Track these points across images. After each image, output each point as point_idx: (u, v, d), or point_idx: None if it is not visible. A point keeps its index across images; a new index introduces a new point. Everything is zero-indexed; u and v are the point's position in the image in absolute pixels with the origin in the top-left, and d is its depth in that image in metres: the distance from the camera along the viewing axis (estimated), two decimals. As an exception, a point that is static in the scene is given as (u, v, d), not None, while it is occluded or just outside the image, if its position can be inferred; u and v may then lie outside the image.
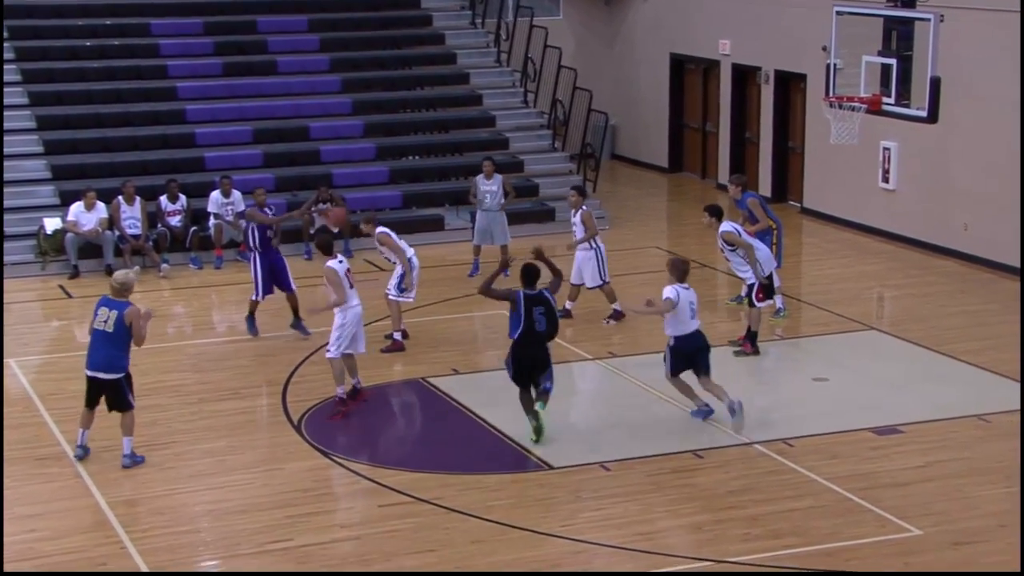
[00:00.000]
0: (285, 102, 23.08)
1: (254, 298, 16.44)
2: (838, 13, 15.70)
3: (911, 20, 14.74)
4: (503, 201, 19.00)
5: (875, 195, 21.08)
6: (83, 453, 12.61)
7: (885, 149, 20.72)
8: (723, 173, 24.98)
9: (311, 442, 13.16)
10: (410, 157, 23.13)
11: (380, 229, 15.92)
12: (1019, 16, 18.31)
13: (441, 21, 25.47)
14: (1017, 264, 18.67)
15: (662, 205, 25.00)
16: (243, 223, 19.88)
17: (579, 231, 16.82)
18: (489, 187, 18.99)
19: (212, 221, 20.01)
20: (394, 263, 16.17)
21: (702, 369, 13.24)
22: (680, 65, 26.19)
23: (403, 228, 21.08)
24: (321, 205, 20.61)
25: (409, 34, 25.21)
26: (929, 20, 14.28)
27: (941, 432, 13.14)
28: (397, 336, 15.86)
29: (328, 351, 13.91)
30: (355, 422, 13.83)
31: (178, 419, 13.83)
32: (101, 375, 12.29)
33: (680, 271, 13.30)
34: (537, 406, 12.88)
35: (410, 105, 24.02)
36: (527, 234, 21.30)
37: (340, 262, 13.98)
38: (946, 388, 14.43)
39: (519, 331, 12.77)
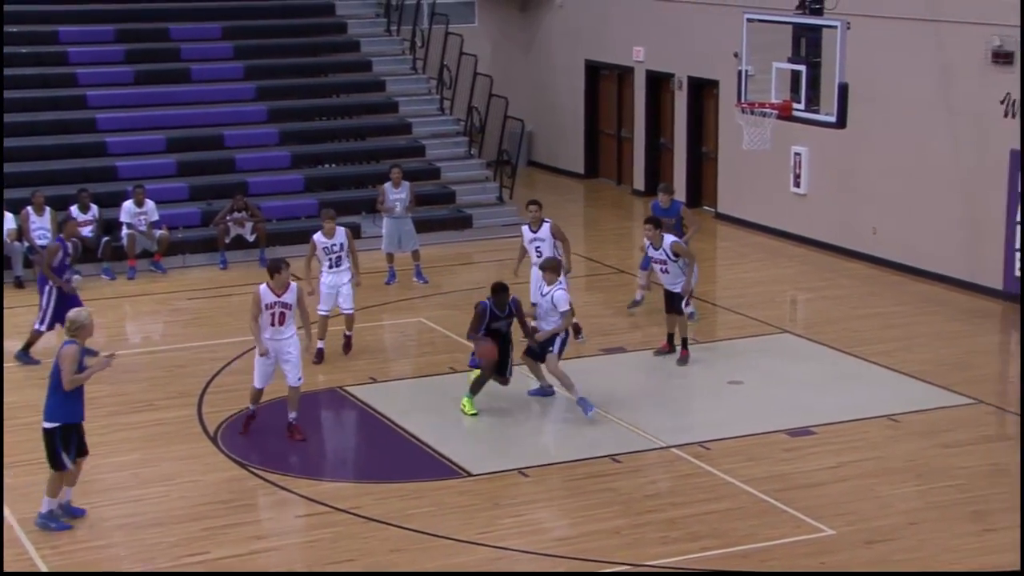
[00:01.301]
0: (199, 110, 22.86)
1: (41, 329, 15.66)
2: (749, 20, 15.87)
3: (819, 27, 14.94)
4: (408, 213, 18.98)
5: (787, 200, 21.33)
6: (59, 512, 11.41)
7: (796, 154, 20.98)
8: (638, 179, 25.14)
9: (227, 453, 13.03)
10: (326, 165, 23.01)
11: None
12: (928, 23, 18.65)
13: (356, 28, 25.37)
14: (926, 267, 18.99)
15: (579, 211, 25.08)
16: (155, 232, 19.70)
17: (547, 247, 15.79)
18: (398, 195, 18.95)
19: (125, 231, 19.75)
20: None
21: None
22: (595, 72, 26.32)
23: (319, 236, 21.05)
24: (236, 214, 20.45)
25: (324, 41, 25.08)
26: (836, 27, 14.48)
27: (853, 433, 13.33)
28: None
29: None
30: (273, 433, 13.71)
31: (91, 432, 13.45)
32: (43, 423, 11.22)
33: (556, 270, 14.11)
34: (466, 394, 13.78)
35: (326, 113, 23.90)
36: (443, 241, 21.34)
37: (267, 289, 13.20)
38: (858, 389, 14.63)
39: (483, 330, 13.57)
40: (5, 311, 17.29)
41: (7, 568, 10.65)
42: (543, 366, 14.08)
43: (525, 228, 16.05)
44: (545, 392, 14.26)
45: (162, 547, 11.05)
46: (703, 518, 11.51)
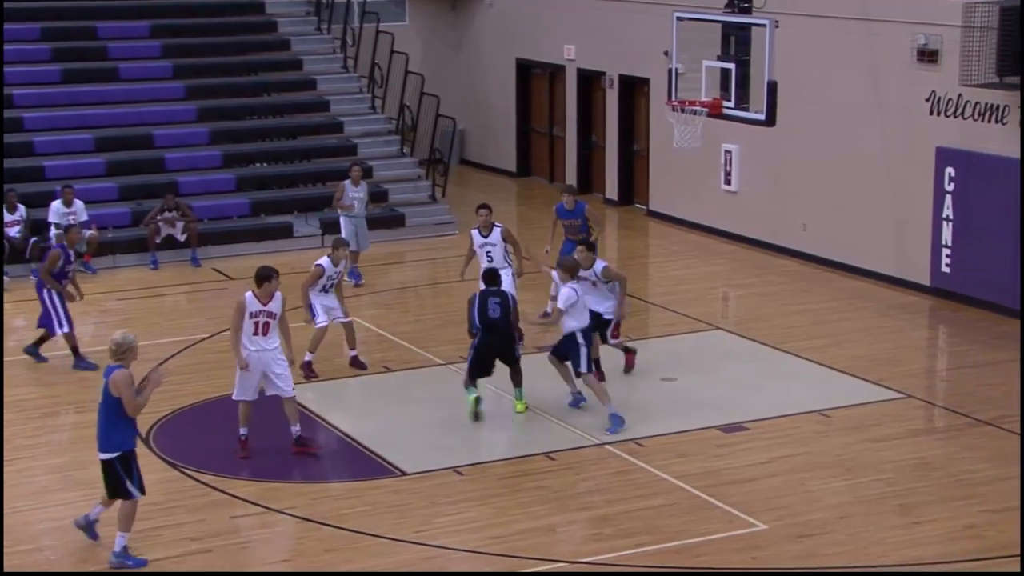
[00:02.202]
0: (127, 109, 22.64)
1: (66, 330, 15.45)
2: (678, 19, 15.99)
3: (748, 26, 15.09)
4: (364, 211, 18.86)
5: (718, 197, 21.52)
6: (83, 523, 11.09)
7: (727, 152, 21.17)
8: (571, 177, 25.23)
9: (160, 455, 12.93)
10: (257, 164, 22.88)
11: None
12: (856, 22, 18.90)
13: (286, 27, 25.24)
14: (855, 263, 19.24)
15: (511, 209, 25.10)
16: (85, 233, 19.48)
17: (498, 251, 15.78)
18: (357, 193, 18.86)
19: (53, 231, 19.51)
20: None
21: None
22: (526, 70, 26.38)
23: (251, 236, 21.00)
24: (167, 213, 20.29)
25: (254, 40, 24.92)
26: (765, 26, 14.63)
27: (784, 428, 13.48)
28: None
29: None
30: (205, 433, 13.63)
31: (20, 435, 13.46)
32: (99, 455, 10.73)
33: (573, 270, 13.74)
34: (514, 394, 13.77)
35: (256, 112, 23.75)
36: (376, 240, 21.26)
37: (252, 296, 12.76)
38: (789, 385, 14.80)
39: (476, 322, 13.50)
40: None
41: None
42: (576, 377, 13.76)
43: (475, 232, 15.88)
44: (578, 400, 13.97)
45: (94, 550, 10.94)
46: (637, 514, 11.60)
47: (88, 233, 19.66)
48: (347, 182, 19.03)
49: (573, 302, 13.44)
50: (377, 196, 22.20)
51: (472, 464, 12.60)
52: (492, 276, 14.00)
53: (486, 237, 15.82)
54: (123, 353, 10.58)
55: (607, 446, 13.04)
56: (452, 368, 15.29)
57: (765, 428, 13.48)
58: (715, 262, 20.30)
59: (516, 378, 13.86)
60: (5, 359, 15.55)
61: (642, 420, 13.87)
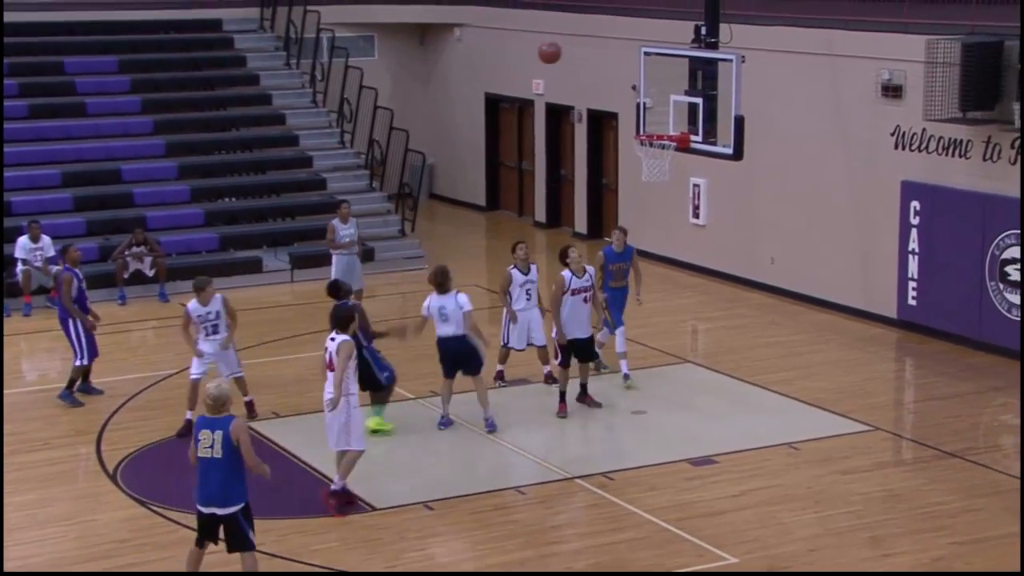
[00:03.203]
0: (95, 144, 22.59)
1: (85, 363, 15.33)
2: (646, 54, 16.09)
3: (715, 61, 15.20)
4: (356, 248, 18.49)
5: (686, 230, 21.61)
6: None
7: (695, 186, 21.28)
8: (540, 211, 25.30)
9: (127, 491, 12.84)
10: (226, 199, 22.84)
11: None
12: (822, 57, 19.07)
13: (255, 62, 25.26)
14: (823, 296, 19.34)
15: (480, 243, 25.18)
16: (52, 268, 19.36)
17: (536, 288, 15.46)
18: (347, 231, 18.40)
19: (20, 267, 19.42)
20: None
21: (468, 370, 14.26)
22: (495, 104, 26.48)
23: (220, 271, 20.93)
24: (135, 248, 20.21)
25: (223, 75, 24.93)
26: (731, 61, 14.74)
27: (754, 461, 13.50)
28: None
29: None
30: (172, 470, 13.53)
31: (-14, 472, 13.34)
32: (217, 511, 10.28)
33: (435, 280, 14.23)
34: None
35: (225, 146, 23.74)
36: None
37: (332, 340, 12.28)
38: (758, 418, 14.84)
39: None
40: None
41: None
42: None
43: (514, 271, 15.41)
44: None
45: (61, 588, 10.84)
46: (607, 548, 11.58)
47: (55, 269, 19.54)
48: (336, 220, 18.57)
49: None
50: (346, 231, 22.16)
51: (442, 499, 12.56)
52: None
53: (526, 275, 15.39)
54: (222, 406, 10.18)
55: (577, 480, 13.02)
56: (422, 403, 15.25)
57: (735, 461, 13.50)
58: (684, 295, 20.38)
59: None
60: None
61: (613, 454, 13.88)
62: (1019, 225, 16.32)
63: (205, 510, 10.27)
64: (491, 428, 14.18)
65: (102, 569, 11.13)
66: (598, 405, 14.87)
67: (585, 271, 14.72)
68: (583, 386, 14.93)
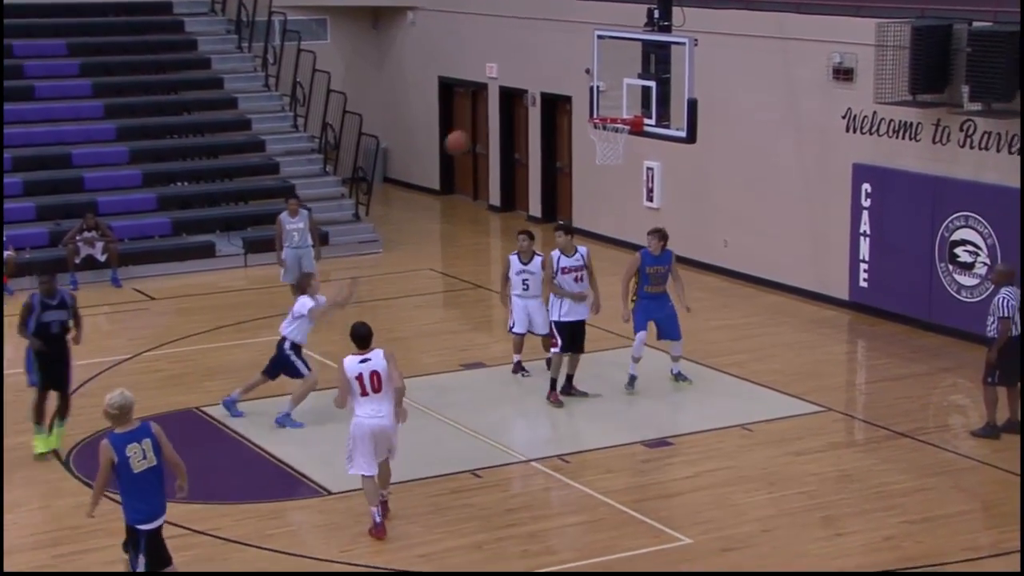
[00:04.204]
0: (45, 128, 22.35)
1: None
2: (599, 37, 16.09)
3: (668, 44, 15.22)
4: (311, 242, 18.11)
5: (640, 213, 21.65)
6: None
7: (648, 169, 21.32)
8: (494, 194, 25.28)
9: (79, 477, 12.73)
10: (178, 183, 22.66)
11: None
12: (773, 40, 19.14)
13: (207, 45, 25.04)
14: (775, 278, 19.45)
15: (435, 227, 25.14)
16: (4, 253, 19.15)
17: (537, 280, 15.13)
18: (295, 224, 18.08)
19: (-30, 252, 19.19)
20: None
21: None
22: (449, 88, 26.41)
23: (173, 256, 20.80)
24: (87, 233, 20.02)
25: (174, 58, 24.71)
26: (684, 44, 14.76)
27: (709, 443, 13.57)
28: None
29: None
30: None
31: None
32: (159, 521, 9.80)
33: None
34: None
35: (177, 130, 23.55)
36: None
37: (363, 361, 11.21)
38: (712, 400, 14.91)
39: None
40: None
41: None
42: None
43: (513, 258, 15.28)
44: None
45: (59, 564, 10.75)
46: (563, 531, 11.62)
47: (6, 254, 19.35)
48: (284, 214, 18.28)
49: None
50: (299, 215, 22.03)
51: (398, 483, 12.52)
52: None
53: (525, 265, 15.24)
54: (130, 413, 9.56)
55: (533, 463, 13.05)
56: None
57: (689, 443, 13.57)
58: (638, 278, 20.39)
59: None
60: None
61: (568, 436, 13.91)
62: (970, 208, 16.47)
63: (153, 525, 9.67)
64: None
65: (51, 556, 11.03)
66: (583, 395, 14.73)
67: (576, 250, 14.55)
68: (569, 377, 14.65)
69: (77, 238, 19.90)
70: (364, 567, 10.94)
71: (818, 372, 15.86)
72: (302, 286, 14.29)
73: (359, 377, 11.11)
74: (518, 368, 15.59)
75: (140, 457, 9.50)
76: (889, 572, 10.79)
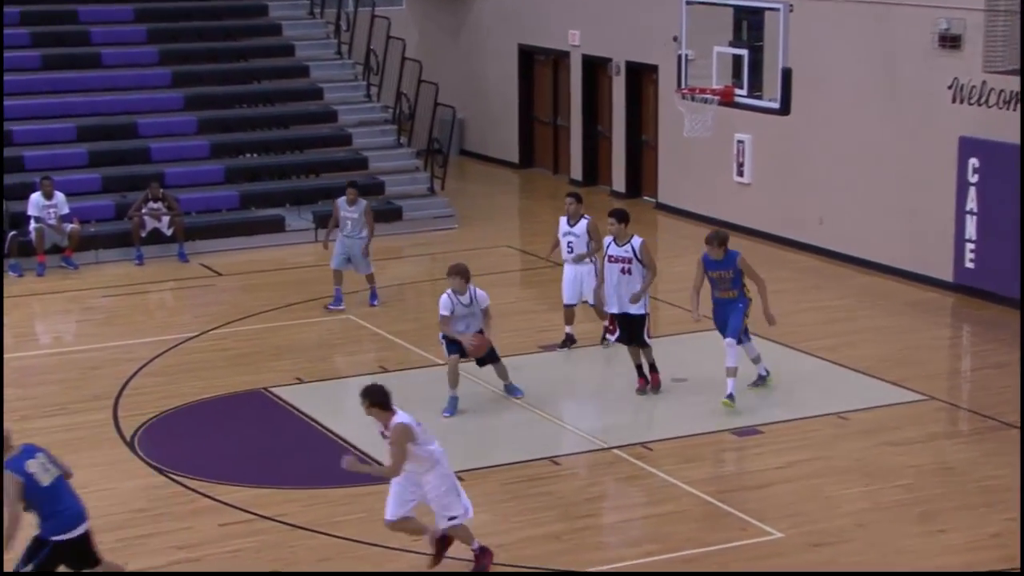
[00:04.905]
0: (110, 97, 22.63)
1: None
2: (688, 3, 15.95)
3: (761, 10, 15.06)
4: (365, 235, 17.61)
5: (730, 189, 21.49)
6: None
7: (739, 142, 21.14)
8: (575, 168, 25.22)
9: (145, 459, 12.92)
10: (247, 155, 22.85)
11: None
12: (874, 6, 18.86)
13: (278, 11, 25.22)
14: (871, 257, 19.21)
15: (513, 202, 25.13)
16: (66, 226, 19.47)
17: (580, 243, 15.54)
18: (351, 213, 17.64)
19: (32, 225, 19.50)
20: None
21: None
22: (529, 57, 26.35)
23: (241, 230, 21.00)
24: (152, 204, 20.25)
25: (244, 25, 24.91)
26: (779, 10, 14.59)
27: (799, 431, 13.45)
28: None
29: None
30: (192, 437, 13.62)
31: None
32: (82, 528, 9.71)
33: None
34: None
35: (246, 100, 23.73)
36: (374, 234, 21.23)
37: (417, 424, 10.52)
38: (804, 386, 14.77)
39: None
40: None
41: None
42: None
43: (562, 220, 15.73)
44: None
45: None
46: (644, 522, 11.58)
47: (70, 227, 19.65)
48: (342, 200, 17.80)
49: None
50: (373, 188, 22.18)
51: (473, 469, 12.56)
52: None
53: (572, 227, 15.60)
54: (8, 439, 9.45)
55: (614, 450, 13.01)
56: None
57: (780, 431, 13.46)
58: (726, 257, 20.24)
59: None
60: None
61: (651, 423, 13.85)
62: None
63: (81, 530, 9.63)
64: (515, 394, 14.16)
65: (115, 540, 11.18)
66: (680, 380, 14.61)
67: (628, 240, 14.23)
68: (650, 365, 14.46)
69: (143, 210, 20.13)
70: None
71: (918, 358, 15.64)
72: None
73: (418, 423, 10.55)
74: (567, 341, 15.66)
75: (43, 471, 9.50)
76: (996, 572, 10.63)
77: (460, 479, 12.28)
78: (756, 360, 14.42)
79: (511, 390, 14.27)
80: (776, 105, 15.01)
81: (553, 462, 12.80)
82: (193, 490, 12.21)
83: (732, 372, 13.89)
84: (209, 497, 12.06)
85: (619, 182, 24.22)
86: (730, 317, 13.98)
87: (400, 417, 10.33)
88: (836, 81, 19.45)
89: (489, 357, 14.08)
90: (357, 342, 16.40)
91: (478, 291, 13.91)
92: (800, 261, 19.85)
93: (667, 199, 23.05)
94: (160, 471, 12.65)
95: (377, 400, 10.32)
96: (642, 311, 14.21)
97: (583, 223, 15.59)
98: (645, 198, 23.79)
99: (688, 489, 12.14)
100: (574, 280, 15.62)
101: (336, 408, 14.15)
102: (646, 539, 11.25)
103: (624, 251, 14.18)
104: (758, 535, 11.28)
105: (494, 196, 24.71)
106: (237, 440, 13.74)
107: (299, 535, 11.37)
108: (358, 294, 18.27)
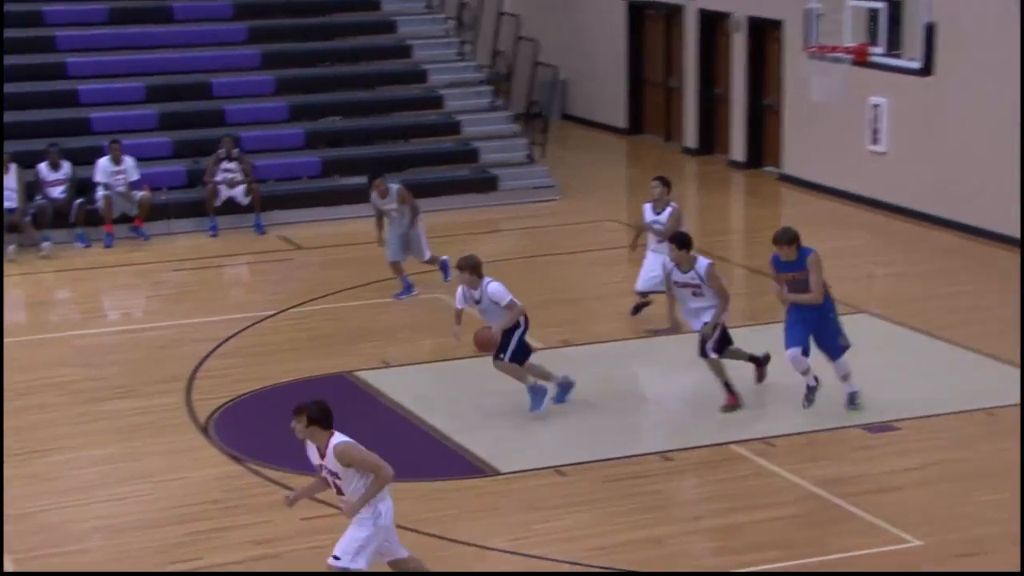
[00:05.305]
0: (183, 54, 22.96)
1: None
2: (819, -50, 15.87)
3: (903, -42, 14.92)
4: (408, 219, 17.26)
5: (863, 159, 21.30)
6: None
7: (874, 106, 20.94)
8: (689, 135, 25.13)
9: (220, 447, 13.11)
10: (330, 118, 23.04)
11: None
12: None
13: (363, -39, 25.40)
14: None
15: (620, 172, 25.13)
16: (135, 194, 19.79)
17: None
18: (387, 205, 17.37)
19: (100, 192, 19.86)
20: None
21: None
22: (639, 11, 26.31)
23: (323, 199, 21.20)
24: (226, 164, 20.43)
25: (326, -24, 25.11)
26: (923, -42, 14.46)
27: (941, 429, 13.32)
28: None
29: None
30: (271, 424, 13.78)
31: (64, 421, 13.73)
32: None
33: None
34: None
35: (328, 58, 23.94)
36: (464, 205, 21.37)
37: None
38: (946, 378, 14.62)
39: None
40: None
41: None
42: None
43: (647, 207, 15.95)
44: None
45: (145, 553, 11.12)
46: (765, 525, 11.54)
47: (139, 194, 19.97)
48: (373, 195, 17.49)
49: None
50: (465, 156, 22.28)
51: (575, 464, 12.60)
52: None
53: (656, 215, 15.83)
54: None
55: (732, 446, 12.98)
56: (553, 353, 15.30)
57: (918, 428, 13.33)
58: (858, 235, 20.11)
59: None
60: (43, 336, 15.87)
61: (774, 416, 13.78)
62: None
63: None
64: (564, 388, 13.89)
65: (187, 533, 11.37)
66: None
67: (693, 264, 13.62)
68: (753, 358, 14.21)
69: (216, 177, 20.34)
70: (532, 557, 11.02)
71: (1078, 350, 15.39)
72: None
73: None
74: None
75: None
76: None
77: (560, 473, 12.42)
78: (806, 371, 13.67)
79: (535, 394, 13.64)
80: (917, 65, 14.89)
81: (665, 458, 12.79)
82: (272, 481, 12.37)
83: (846, 376, 13.64)
84: (288, 488, 12.17)
85: (738, 151, 24.09)
86: (823, 331, 13.42)
87: (340, 438, 9.72)
88: (985, 37, 19.17)
89: (507, 353, 13.54)
90: (449, 323, 16.47)
91: (490, 286, 13.50)
92: (943, 239, 19.64)
93: (792, 170, 22.90)
94: (236, 459, 12.83)
95: (316, 417, 9.66)
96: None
97: (668, 210, 15.68)
98: (767, 169, 23.65)
99: (814, 490, 12.07)
100: (652, 266, 15.51)
101: (425, 395, 14.25)
102: (766, 545, 11.20)
103: (690, 277, 13.66)
104: (892, 542, 11.19)
105: (599, 165, 24.70)
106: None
107: (385, 531, 11.46)
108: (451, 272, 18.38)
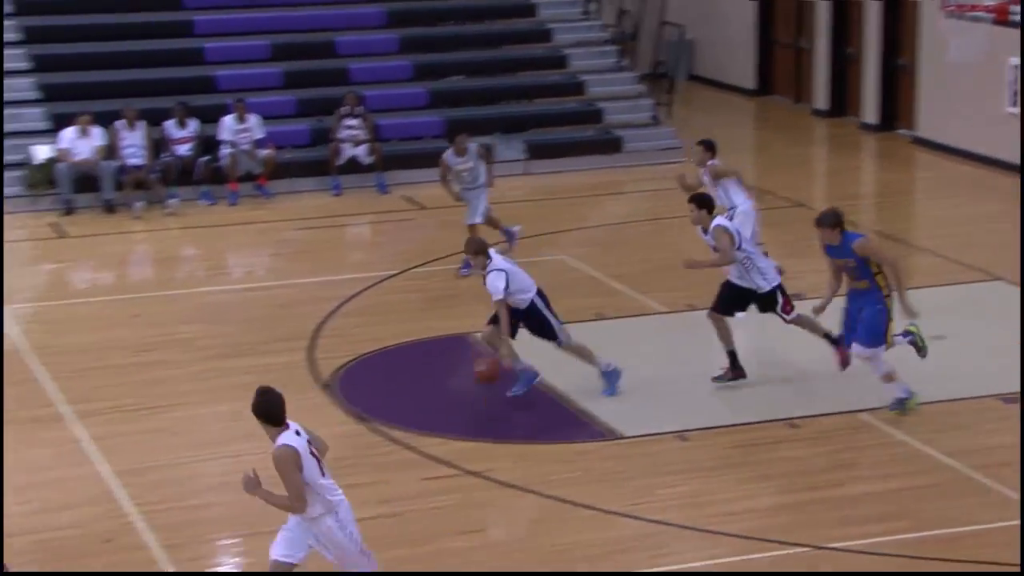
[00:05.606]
0: (307, 12, 23.14)
1: None
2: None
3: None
4: (482, 182, 17.01)
5: (1002, 121, 20.89)
6: None
7: (1014, 67, 20.50)
8: (819, 97, 24.82)
9: (343, 405, 13.24)
10: (453, 77, 23.07)
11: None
12: None
13: (488, -82, 25.36)
14: None
15: (748, 134, 24.90)
16: (260, 152, 20.00)
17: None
18: (464, 164, 17.04)
19: (225, 150, 20.09)
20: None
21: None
22: (770, -31, 26.03)
23: (446, 159, 21.18)
24: (349, 121, 20.52)
25: (450, -67, 25.11)
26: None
27: (1080, 399, 13.06)
28: None
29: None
30: (392, 384, 13.89)
31: (187, 378, 13.95)
32: None
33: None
34: None
35: (453, 17, 23.96)
36: (588, 167, 21.30)
37: (298, 433, 9.23)
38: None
39: None
40: (94, 237, 17.91)
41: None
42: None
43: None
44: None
45: (265, 512, 11.21)
46: (894, 495, 11.41)
47: (264, 153, 20.18)
48: (448, 153, 17.15)
49: None
50: (590, 116, 22.19)
51: (700, 429, 12.55)
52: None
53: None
54: None
55: (862, 414, 12.84)
56: (679, 317, 15.23)
57: (1054, 399, 13.09)
58: (996, 199, 19.74)
59: None
60: (169, 292, 16.13)
61: (906, 384, 13.59)
62: None
63: None
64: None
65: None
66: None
67: (708, 229, 13.32)
68: (827, 336, 13.49)
69: (340, 134, 20.46)
70: (657, 522, 11.00)
71: None
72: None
73: (312, 454, 9.26)
74: None
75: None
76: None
77: (683, 439, 12.37)
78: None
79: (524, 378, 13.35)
80: (1061, 24, 14.53)
81: (791, 425, 12.69)
82: (394, 440, 12.48)
83: (891, 377, 12.77)
84: (411, 448, 12.31)
85: (870, 113, 23.75)
86: (863, 317, 12.50)
87: (286, 438, 8.97)
88: None
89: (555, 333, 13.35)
90: (571, 286, 16.44)
91: (488, 276, 13.17)
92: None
93: (927, 132, 22.53)
94: (360, 418, 12.95)
95: (261, 411, 8.99)
96: (766, 287, 13.34)
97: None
98: (900, 131, 23.30)
99: (946, 461, 11.91)
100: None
101: (550, 358, 14.24)
102: (893, 515, 11.08)
103: (707, 238, 13.47)
104: (1027, 516, 11.02)
105: (727, 127, 24.42)
106: (440, 389, 13.97)
107: (507, 493, 11.52)
108: (572, 233, 18.37)
